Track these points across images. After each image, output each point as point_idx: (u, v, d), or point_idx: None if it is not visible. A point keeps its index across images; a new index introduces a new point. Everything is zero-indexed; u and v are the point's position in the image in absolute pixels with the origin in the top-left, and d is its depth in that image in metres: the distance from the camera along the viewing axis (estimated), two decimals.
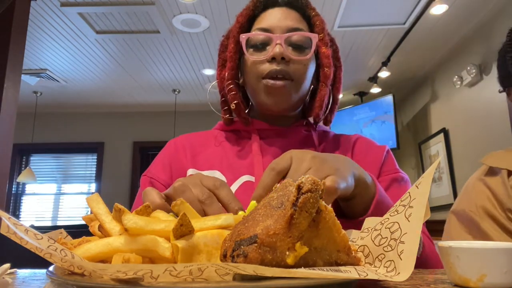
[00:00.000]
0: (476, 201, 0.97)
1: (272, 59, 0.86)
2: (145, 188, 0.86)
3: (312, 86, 0.95)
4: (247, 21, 0.95)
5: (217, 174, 0.89)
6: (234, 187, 0.86)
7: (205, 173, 0.88)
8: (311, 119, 0.97)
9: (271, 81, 0.86)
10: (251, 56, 0.89)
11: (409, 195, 0.43)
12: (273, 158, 0.87)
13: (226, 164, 0.91)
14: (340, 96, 1.00)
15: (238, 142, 0.97)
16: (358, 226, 0.55)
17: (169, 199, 0.59)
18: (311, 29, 0.95)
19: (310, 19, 0.95)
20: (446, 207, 4.42)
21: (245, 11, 0.96)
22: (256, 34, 0.90)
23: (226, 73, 0.93)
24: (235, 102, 0.92)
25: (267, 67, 0.87)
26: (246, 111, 0.95)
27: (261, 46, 0.90)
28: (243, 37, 0.90)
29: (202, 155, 0.95)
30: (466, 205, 0.99)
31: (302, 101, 0.94)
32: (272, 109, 0.89)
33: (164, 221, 0.43)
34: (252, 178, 0.87)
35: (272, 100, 0.88)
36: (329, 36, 0.97)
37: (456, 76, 4.11)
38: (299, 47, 0.89)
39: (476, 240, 0.91)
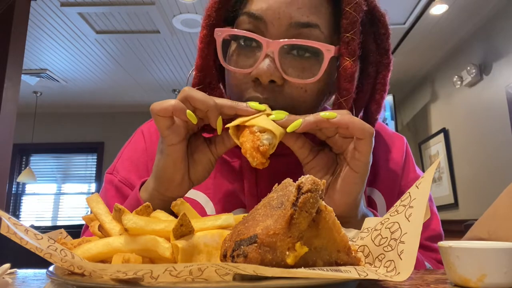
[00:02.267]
0: None
1: (256, 79, 0.59)
2: (110, 190, 0.74)
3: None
4: None
5: (202, 198, 0.70)
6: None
7: (188, 193, 0.64)
8: None
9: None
10: (230, 66, 0.61)
11: (409, 195, 0.43)
12: (270, 178, 0.68)
13: (213, 186, 0.71)
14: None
15: (226, 154, 0.71)
16: None
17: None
18: (335, 17, 0.61)
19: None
20: (446, 207, 4.42)
21: None
22: (238, 32, 0.60)
23: (194, 73, 0.67)
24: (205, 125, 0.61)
25: (250, 91, 0.60)
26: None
27: (247, 45, 0.61)
28: (219, 33, 0.61)
29: None
30: None
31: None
32: None
33: (164, 221, 0.43)
34: (245, 212, 0.68)
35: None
36: (372, 14, 0.63)
37: (456, 76, 4.11)
38: (304, 57, 0.59)
39: None
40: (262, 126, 0.54)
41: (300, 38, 0.58)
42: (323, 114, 0.55)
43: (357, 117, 0.59)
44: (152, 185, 0.61)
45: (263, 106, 0.57)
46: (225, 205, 0.70)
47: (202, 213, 0.70)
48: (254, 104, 0.56)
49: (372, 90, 0.67)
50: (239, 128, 0.57)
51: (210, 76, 0.67)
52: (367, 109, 0.68)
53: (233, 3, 0.64)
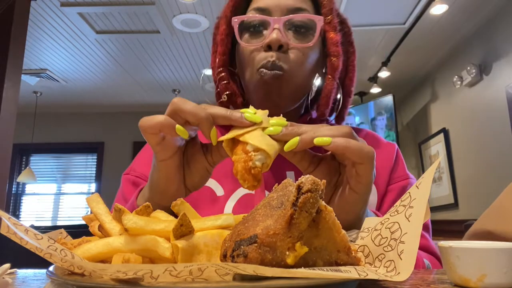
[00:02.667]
0: None
1: (268, 47, 0.75)
2: (128, 188, 0.79)
3: (319, 78, 0.84)
4: (243, 1, 0.83)
5: (213, 183, 0.79)
6: (232, 201, 0.77)
7: None
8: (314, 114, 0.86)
9: (264, 71, 0.74)
10: (244, 43, 0.78)
11: (409, 195, 0.43)
12: (274, 165, 0.75)
13: (223, 173, 0.79)
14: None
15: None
16: None
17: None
18: (317, 9, 0.83)
19: None
20: (446, 207, 4.42)
21: None
22: (250, 17, 0.78)
23: (217, 59, 0.82)
24: (227, 93, 0.81)
25: (263, 57, 0.75)
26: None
27: (257, 31, 0.78)
28: (235, 20, 0.78)
29: None
30: None
31: (301, 95, 0.82)
32: (265, 103, 0.76)
33: (164, 221, 0.43)
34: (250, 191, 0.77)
35: (262, 93, 0.77)
36: (339, 17, 0.85)
37: (456, 76, 4.11)
38: (301, 32, 0.77)
39: None
40: (255, 145, 0.51)
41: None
42: (317, 140, 0.53)
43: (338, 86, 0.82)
44: (147, 194, 0.61)
45: (259, 118, 0.54)
46: (232, 185, 0.78)
47: (213, 196, 0.78)
48: (250, 115, 0.54)
49: (346, 70, 0.86)
50: (234, 141, 0.55)
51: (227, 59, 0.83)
52: (343, 83, 0.86)
53: (243, 7, 0.83)
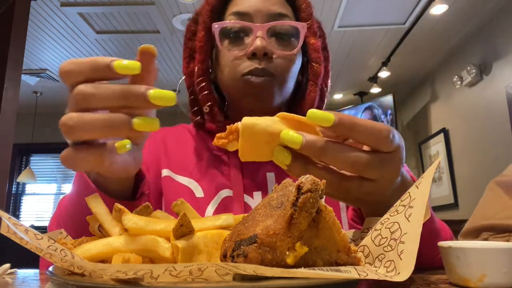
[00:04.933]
0: None
1: (253, 55, 0.73)
2: None
3: (297, 82, 0.83)
4: (219, 2, 0.80)
5: (193, 184, 0.77)
6: (213, 206, 0.75)
7: (180, 179, 0.77)
8: None
9: (254, 78, 0.72)
10: (227, 52, 0.75)
11: (409, 195, 0.43)
12: (253, 167, 0.78)
13: (203, 173, 0.79)
14: (332, 93, 0.93)
15: (216, 146, 0.80)
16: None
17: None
18: (297, 14, 0.81)
19: (294, 2, 0.81)
20: (446, 207, 4.42)
21: None
22: (232, 23, 0.75)
23: (196, 67, 0.79)
24: (209, 104, 0.78)
25: (248, 64, 0.73)
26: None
27: (238, 37, 0.76)
28: (216, 26, 0.75)
29: (176, 155, 0.81)
30: None
31: (285, 100, 0.81)
32: (253, 109, 0.73)
33: (164, 221, 0.43)
34: (230, 193, 0.76)
35: (253, 98, 0.74)
36: (317, 22, 0.84)
37: (456, 76, 4.12)
38: (284, 39, 0.76)
39: None
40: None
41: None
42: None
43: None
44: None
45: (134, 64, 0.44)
46: (212, 188, 0.77)
47: (192, 197, 0.75)
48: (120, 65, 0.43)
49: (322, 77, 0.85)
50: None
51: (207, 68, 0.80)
52: (321, 89, 0.85)
53: (219, 11, 0.80)
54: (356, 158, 0.44)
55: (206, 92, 0.78)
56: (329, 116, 0.44)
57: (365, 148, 0.47)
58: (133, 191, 0.59)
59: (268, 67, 0.73)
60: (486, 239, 0.90)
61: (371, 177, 0.46)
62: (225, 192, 0.77)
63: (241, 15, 0.76)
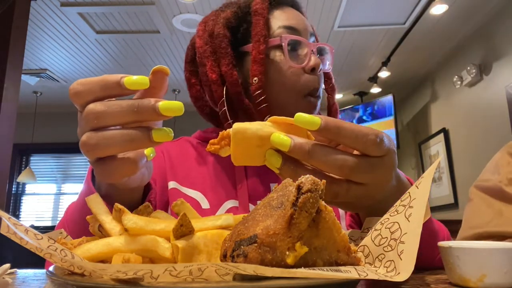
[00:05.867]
0: (507, 173, 0.97)
1: (311, 70, 0.78)
2: None
3: None
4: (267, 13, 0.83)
5: (199, 196, 0.79)
6: None
7: (186, 191, 0.79)
8: None
9: (313, 99, 0.79)
10: (290, 62, 0.78)
11: (409, 195, 0.43)
12: (259, 177, 0.81)
13: (208, 186, 0.80)
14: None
15: (220, 156, 0.83)
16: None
17: None
18: None
19: None
20: (446, 207, 4.42)
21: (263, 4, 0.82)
22: (299, 38, 0.79)
23: (256, 78, 0.77)
24: (224, 109, 0.78)
25: (310, 80, 0.78)
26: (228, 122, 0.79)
27: (295, 51, 0.79)
28: (285, 37, 0.78)
29: (181, 167, 0.83)
30: (495, 178, 0.99)
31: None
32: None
33: (164, 221, 0.43)
34: (236, 203, 0.78)
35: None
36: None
37: (456, 76, 4.12)
38: (324, 57, 0.84)
39: (502, 208, 0.91)
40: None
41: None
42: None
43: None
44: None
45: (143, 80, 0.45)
46: (218, 199, 0.78)
47: (198, 209, 0.77)
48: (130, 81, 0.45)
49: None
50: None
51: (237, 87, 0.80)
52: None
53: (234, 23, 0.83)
54: (343, 161, 0.45)
55: (265, 104, 0.78)
56: (315, 120, 0.44)
57: (356, 152, 0.47)
58: (141, 201, 0.61)
59: (319, 87, 0.81)
60: None
61: (359, 181, 0.47)
62: (230, 203, 0.78)
63: (293, 30, 0.80)
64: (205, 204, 0.78)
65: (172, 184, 0.80)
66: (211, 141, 0.49)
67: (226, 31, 0.80)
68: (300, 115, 0.45)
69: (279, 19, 0.81)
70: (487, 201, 0.96)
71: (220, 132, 0.48)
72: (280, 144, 0.45)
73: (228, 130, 0.47)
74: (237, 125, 0.46)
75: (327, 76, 0.89)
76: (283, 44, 0.78)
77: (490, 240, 0.90)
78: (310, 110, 0.79)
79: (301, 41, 0.79)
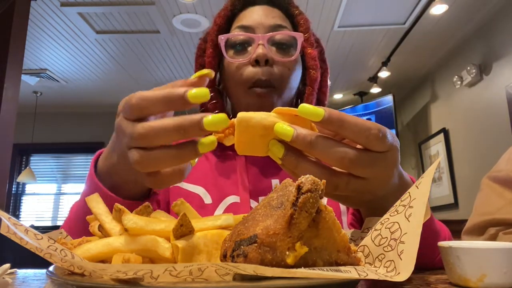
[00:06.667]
0: None
1: (256, 62, 0.80)
2: None
3: (298, 90, 0.90)
4: (226, 22, 0.89)
5: (201, 191, 0.82)
6: (219, 210, 0.80)
7: (188, 187, 0.83)
8: None
9: (258, 90, 0.79)
10: (231, 59, 0.82)
11: (409, 195, 0.43)
12: (260, 173, 0.83)
13: (211, 181, 0.84)
14: (332, 93, 0.98)
15: (222, 153, 0.88)
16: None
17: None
18: (295, 28, 0.89)
19: (293, 18, 0.89)
20: (446, 207, 4.42)
21: (223, 11, 0.89)
22: (236, 35, 0.83)
23: None
24: (217, 111, 0.83)
25: (252, 72, 0.80)
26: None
27: (242, 47, 0.83)
28: (222, 38, 0.84)
29: None
30: (508, 168, 0.99)
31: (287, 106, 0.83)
32: None
33: (164, 221, 0.43)
34: (237, 199, 0.81)
35: (255, 107, 0.78)
36: (314, 36, 0.92)
37: (456, 76, 4.11)
38: (283, 48, 0.83)
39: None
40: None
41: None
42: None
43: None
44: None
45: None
46: (220, 194, 0.81)
47: (201, 204, 0.80)
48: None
49: (320, 85, 0.91)
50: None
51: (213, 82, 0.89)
52: (318, 97, 0.91)
53: (226, 28, 0.88)
54: (344, 153, 0.45)
55: (214, 101, 0.86)
56: (319, 111, 0.45)
57: (359, 146, 0.47)
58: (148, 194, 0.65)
59: (270, 79, 0.79)
60: (494, 235, 0.90)
61: (360, 175, 0.47)
62: (232, 198, 0.81)
63: (245, 28, 0.84)
64: (207, 199, 0.81)
65: None
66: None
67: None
68: (303, 106, 0.45)
69: (239, 20, 0.87)
70: (498, 190, 0.96)
71: None
72: (283, 134, 0.45)
73: (232, 119, 0.47)
74: (241, 114, 0.46)
75: (307, 65, 0.87)
76: (220, 44, 0.83)
77: (501, 226, 0.90)
78: (258, 100, 0.79)
79: (243, 37, 0.83)
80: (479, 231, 0.94)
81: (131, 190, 0.58)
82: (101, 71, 4.88)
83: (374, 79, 4.89)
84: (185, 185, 0.83)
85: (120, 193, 0.57)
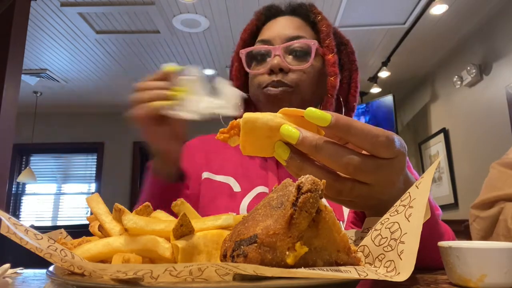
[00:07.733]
0: None
1: (271, 71, 0.87)
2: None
3: (320, 96, 0.93)
4: (250, 37, 0.97)
5: (232, 181, 0.90)
6: (248, 198, 0.86)
7: (219, 178, 0.91)
8: None
9: (272, 89, 0.86)
10: (251, 70, 0.91)
11: (409, 195, 0.43)
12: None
13: (241, 172, 0.91)
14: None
15: None
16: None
17: None
18: (317, 34, 0.93)
19: (315, 24, 0.94)
20: (446, 207, 4.42)
21: (248, 26, 0.98)
22: (254, 48, 0.92)
23: None
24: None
25: (267, 78, 0.87)
26: None
27: (262, 58, 0.91)
28: (242, 52, 0.93)
29: (217, 159, 0.95)
30: None
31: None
32: None
33: (164, 221, 0.43)
34: (266, 189, 0.87)
35: (272, 108, 0.77)
36: (340, 39, 0.96)
37: (456, 76, 4.11)
38: (299, 56, 0.88)
39: None
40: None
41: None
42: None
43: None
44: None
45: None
46: (249, 184, 0.89)
47: (230, 192, 0.89)
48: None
49: (349, 87, 0.96)
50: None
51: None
52: (346, 100, 0.96)
53: (251, 43, 0.96)
54: (349, 159, 0.45)
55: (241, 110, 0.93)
56: (326, 116, 0.44)
57: (365, 152, 0.47)
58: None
59: (283, 79, 0.86)
60: (502, 208, 0.92)
61: (364, 181, 0.47)
62: (261, 188, 0.88)
63: (264, 41, 0.92)
64: (236, 188, 0.89)
65: (205, 175, 0.93)
66: (221, 130, 0.49)
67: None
68: (310, 110, 0.45)
69: (261, 34, 0.95)
70: (507, 173, 0.98)
71: (230, 122, 0.48)
72: (288, 136, 0.45)
73: (238, 119, 0.47)
74: (247, 115, 0.46)
75: (326, 72, 0.91)
76: (241, 58, 0.93)
77: (507, 203, 0.91)
78: (268, 99, 0.87)
79: (261, 50, 0.91)
80: (489, 205, 0.96)
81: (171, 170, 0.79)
82: (101, 71, 4.88)
83: (374, 79, 4.89)
84: (217, 177, 0.92)
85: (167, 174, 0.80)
